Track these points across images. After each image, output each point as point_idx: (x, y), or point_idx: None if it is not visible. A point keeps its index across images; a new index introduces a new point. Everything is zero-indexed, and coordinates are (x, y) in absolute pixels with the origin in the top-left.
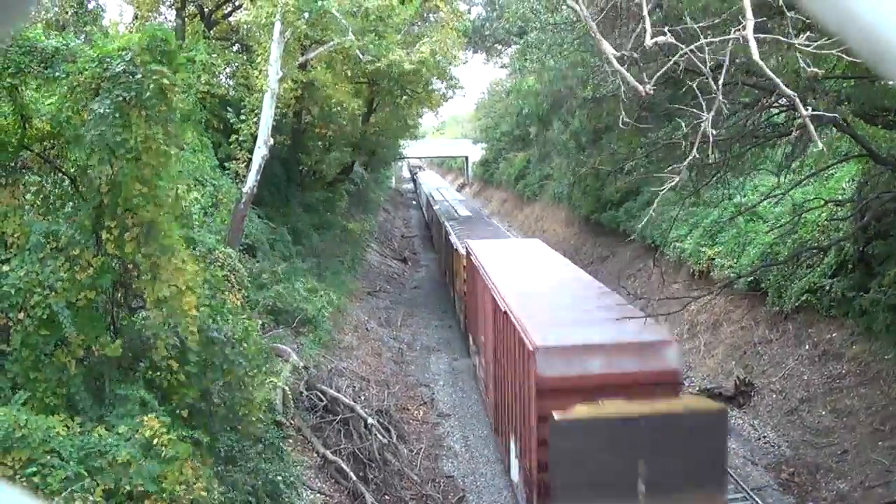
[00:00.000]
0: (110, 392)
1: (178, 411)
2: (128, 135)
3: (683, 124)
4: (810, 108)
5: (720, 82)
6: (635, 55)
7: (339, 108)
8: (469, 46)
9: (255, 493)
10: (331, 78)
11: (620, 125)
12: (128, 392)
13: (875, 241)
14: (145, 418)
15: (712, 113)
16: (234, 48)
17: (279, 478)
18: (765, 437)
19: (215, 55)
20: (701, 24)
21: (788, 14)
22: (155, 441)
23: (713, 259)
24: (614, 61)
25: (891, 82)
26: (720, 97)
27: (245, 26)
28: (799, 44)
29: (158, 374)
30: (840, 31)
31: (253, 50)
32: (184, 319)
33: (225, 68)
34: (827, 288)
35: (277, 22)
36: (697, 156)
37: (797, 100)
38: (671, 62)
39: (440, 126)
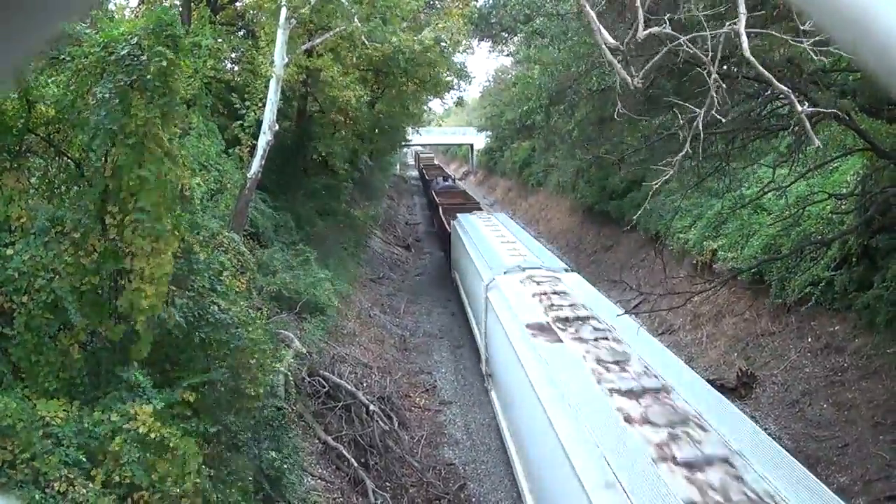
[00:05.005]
0: (107, 375)
1: (178, 395)
2: (128, 119)
3: (680, 117)
4: (806, 105)
5: (713, 77)
6: (631, 46)
7: (343, 98)
8: (475, 34)
9: (256, 478)
10: (335, 70)
11: (615, 117)
12: (124, 374)
13: (879, 235)
14: (137, 409)
15: (704, 109)
16: (240, 33)
17: (281, 463)
18: (766, 429)
19: (221, 40)
20: (705, 13)
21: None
22: (150, 434)
23: (716, 251)
24: (606, 52)
25: None
26: (713, 91)
27: (251, 11)
28: (793, 40)
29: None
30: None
31: (258, 36)
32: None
33: (230, 53)
34: (830, 281)
35: (283, 7)
36: (691, 151)
37: (792, 96)
38: (663, 52)
39: (444, 114)
